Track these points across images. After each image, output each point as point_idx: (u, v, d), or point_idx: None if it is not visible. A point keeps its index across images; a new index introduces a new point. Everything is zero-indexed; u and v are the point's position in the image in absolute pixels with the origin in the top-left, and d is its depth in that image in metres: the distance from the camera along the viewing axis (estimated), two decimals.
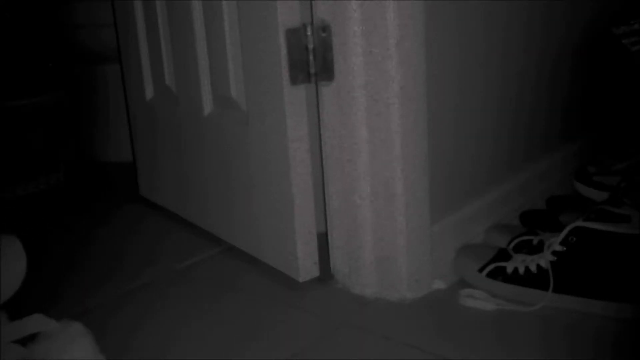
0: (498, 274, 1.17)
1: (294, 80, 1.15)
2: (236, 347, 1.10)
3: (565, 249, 1.12)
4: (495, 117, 1.32)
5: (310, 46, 1.14)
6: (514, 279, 1.15)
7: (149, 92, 1.55)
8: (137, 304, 1.23)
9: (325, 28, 1.13)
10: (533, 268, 1.14)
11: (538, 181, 1.42)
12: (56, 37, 1.88)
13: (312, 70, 1.15)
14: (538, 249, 1.16)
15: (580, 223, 1.11)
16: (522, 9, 1.32)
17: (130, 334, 1.13)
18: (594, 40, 1.51)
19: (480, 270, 1.18)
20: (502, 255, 1.20)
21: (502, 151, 1.34)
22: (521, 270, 1.14)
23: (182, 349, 1.09)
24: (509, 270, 1.16)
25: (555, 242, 1.13)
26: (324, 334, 1.11)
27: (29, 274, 1.37)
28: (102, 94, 1.96)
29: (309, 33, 1.14)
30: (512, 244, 1.22)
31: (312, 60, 1.15)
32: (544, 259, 1.13)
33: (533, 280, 1.13)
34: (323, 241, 1.24)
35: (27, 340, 0.93)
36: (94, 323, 1.17)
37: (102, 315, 1.19)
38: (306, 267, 1.23)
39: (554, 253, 1.12)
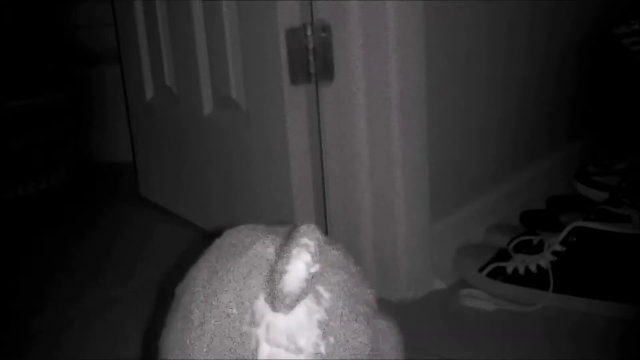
0: (498, 274, 1.17)
1: (294, 81, 1.15)
2: None
3: (565, 249, 1.12)
4: (498, 117, 1.32)
5: (311, 46, 1.14)
6: (514, 279, 1.15)
7: (149, 92, 1.55)
8: (140, 304, 1.23)
9: (325, 28, 1.13)
10: (533, 268, 1.14)
11: (539, 181, 1.42)
12: (56, 37, 1.88)
13: (312, 71, 1.15)
14: (538, 249, 1.16)
15: (580, 223, 1.11)
16: (525, 10, 1.32)
17: (133, 335, 1.14)
18: (595, 41, 1.51)
19: (481, 270, 1.18)
20: (502, 255, 1.19)
21: (503, 151, 1.34)
22: (521, 270, 1.14)
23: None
24: (509, 270, 1.16)
25: (555, 242, 1.13)
26: None
27: (31, 276, 1.38)
28: (102, 94, 1.96)
29: (309, 33, 1.14)
30: (512, 244, 1.22)
31: (312, 60, 1.14)
32: (544, 259, 1.13)
33: (533, 280, 1.13)
34: None
35: None
36: (98, 322, 1.18)
37: (109, 316, 1.20)
38: None
39: (554, 253, 1.12)
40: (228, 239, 0.56)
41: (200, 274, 0.55)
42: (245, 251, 0.53)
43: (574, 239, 1.11)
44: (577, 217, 1.14)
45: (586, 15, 1.48)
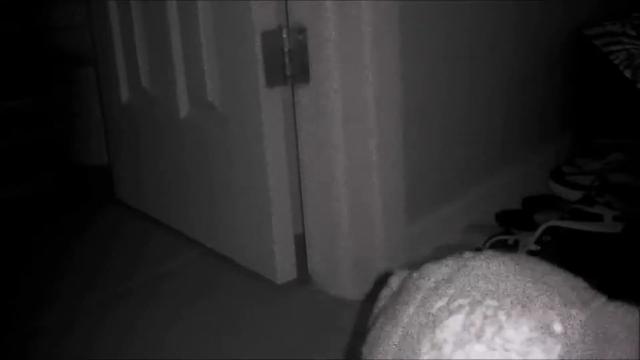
0: None
1: (270, 83, 1.15)
2: (218, 350, 1.09)
3: (539, 248, 1.13)
4: (477, 119, 1.32)
5: (286, 48, 1.14)
6: None
7: (125, 95, 1.54)
8: (119, 310, 1.22)
9: (301, 30, 1.13)
10: None
11: (515, 182, 1.43)
12: (39, 39, 1.86)
13: (288, 73, 1.15)
14: (513, 248, 1.17)
15: (554, 222, 1.13)
16: (491, 11, 1.33)
17: (118, 338, 1.14)
18: (568, 42, 1.53)
19: None
20: None
21: (480, 152, 1.35)
22: None
23: (162, 355, 1.09)
24: None
25: (530, 242, 1.14)
26: (304, 336, 1.11)
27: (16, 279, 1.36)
28: (80, 96, 1.94)
29: (284, 35, 1.14)
30: (488, 244, 1.23)
31: (288, 62, 1.15)
32: None
33: None
34: (300, 243, 1.24)
35: None
36: (83, 327, 1.17)
37: (91, 320, 1.20)
38: (284, 269, 1.23)
39: (529, 252, 1.13)
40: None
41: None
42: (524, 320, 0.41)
43: (548, 238, 1.12)
44: (552, 217, 1.15)
45: (558, 17, 1.50)
